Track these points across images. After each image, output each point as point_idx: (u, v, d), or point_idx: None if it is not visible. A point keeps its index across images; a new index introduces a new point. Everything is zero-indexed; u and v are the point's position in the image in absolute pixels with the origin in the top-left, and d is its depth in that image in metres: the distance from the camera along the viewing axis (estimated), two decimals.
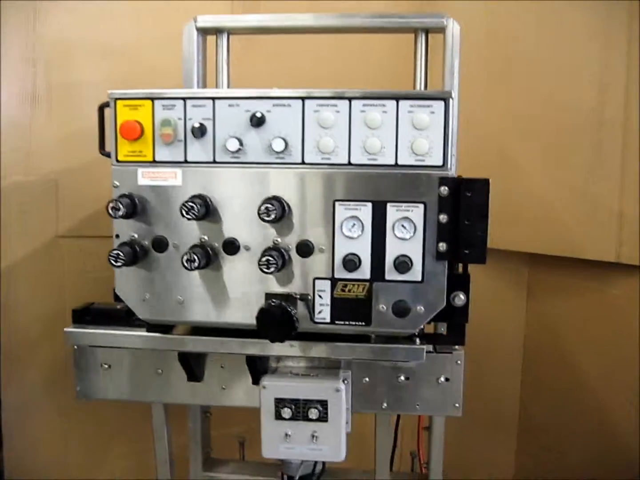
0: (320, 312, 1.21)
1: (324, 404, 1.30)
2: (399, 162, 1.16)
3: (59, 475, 1.97)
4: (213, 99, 1.18)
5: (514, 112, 1.87)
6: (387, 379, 1.39)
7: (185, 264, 1.15)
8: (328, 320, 1.21)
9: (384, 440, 1.49)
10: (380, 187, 1.17)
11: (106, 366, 1.42)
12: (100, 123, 1.25)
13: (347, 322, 1.21)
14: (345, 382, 1.38)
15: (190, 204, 1.13)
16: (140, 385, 1.42)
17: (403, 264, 1.15)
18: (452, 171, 1.16)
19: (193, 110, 1.19)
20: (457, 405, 1.38)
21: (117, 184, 1.22)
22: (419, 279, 1.18)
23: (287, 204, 1.17)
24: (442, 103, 1.14)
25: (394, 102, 1.15)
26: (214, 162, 1.19)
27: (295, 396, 1.31)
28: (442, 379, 1.38)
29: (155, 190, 1.21)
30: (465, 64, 1.28)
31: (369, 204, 1.17)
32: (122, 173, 1.21)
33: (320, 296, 1.20)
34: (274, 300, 1.12)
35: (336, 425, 1.31)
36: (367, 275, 1.19)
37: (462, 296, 1.24)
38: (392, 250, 1.18)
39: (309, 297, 1.19)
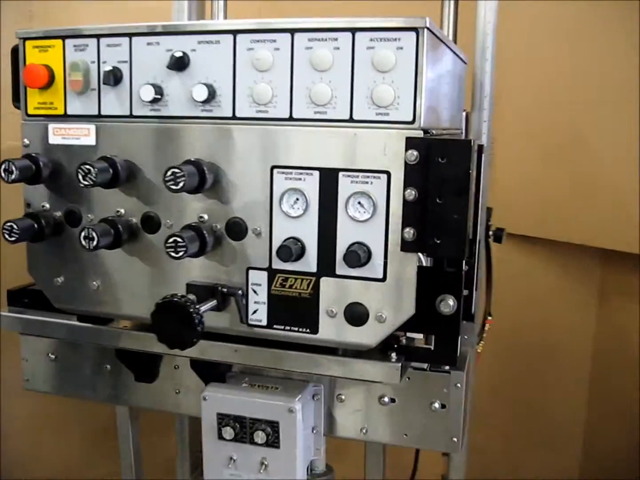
0: (255, 312, 0.91)
1: (274, 426, 1.00)
2: (355, 117, 0.84)
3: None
4: (129, 35, 0.91)
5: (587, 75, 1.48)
6: (368, 399, 1.07)
7: (83, 241, 0.88)
8: (264, 323, 0.91)
9: (373, 474, 1.17)
10: (330, 151, 0.85)
11: (52, 357, 1.19)
12: (13, 69, 1.00)
13: (287, 328, 0.90)
14: (316, 398, 1.07)
15: (87, 167, 0.87)
16: (87, 382, 1.18)
17: (353, 254, 0.83)
18: (435, 132, 0.82)
19: (107, 51, 0.92)
20: (455, 439, 1.04)
21: (27, 142, 0.98)
22: (380, 275, 0.85)
23: (210, 170, 0.87)
24: (412, 35, 0.80)
25: (349, 34, 0.82)
26: (131, 116, 0.92)
27: (240, 413, 1.02)
28: (437, 404, 1.04)
29: (67, 151, 0.96)
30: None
31: (316, 173, 0.86)
32: (32, 129, 0.97)
33: (255, 291, 0.90)
34: (177, 295, 0.83)
35: (289, 454, 1.01)
36: (313, 268, 0.87)
37: (450, 301, 0.90)
38: (345, 235, 0.86)
39: (240, 292, 0.89)
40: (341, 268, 0.86)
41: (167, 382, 1.14)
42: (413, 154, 0.80)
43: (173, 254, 0.85)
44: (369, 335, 0.87)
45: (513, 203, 1.79)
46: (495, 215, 1.84)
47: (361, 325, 0.87)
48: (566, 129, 1.68)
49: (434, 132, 0.85)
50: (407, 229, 0.82)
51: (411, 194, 0.81)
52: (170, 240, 0.85)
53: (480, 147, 1.12)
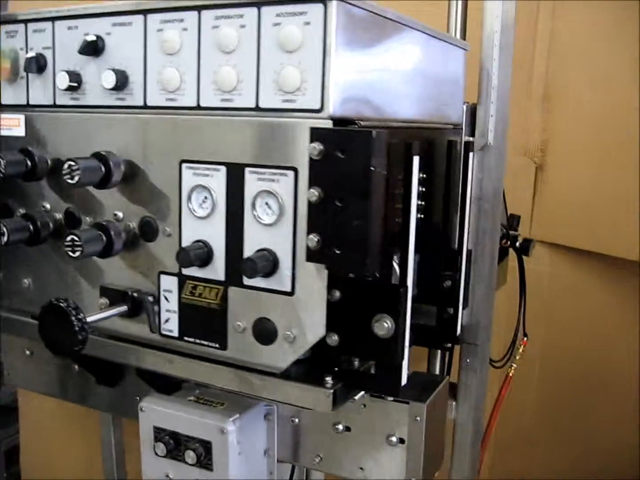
0: (167, 321, 0.80)
1: (207, 446, 0.90)
2: (261, 104, 0.71)
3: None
4: (52, 19, 0.83)
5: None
6: (322, 425, 0.94)
7: None
8: (176, 333, 0.80)
9: None
10: (236, 143, 0.73)
11: (28, 353, 1.15)
12: None
13: (197, 341, 0.79)
14: (269, 418, 0.95)
15: None
16: (57, 381, 1.13)
17: (249, 263, 0.70)
18: (364, 124, 0.68)
19: (34, 37, 0.86)
20: None
21: None
22: (288, 288, 0.72)
23: (116, 165, 0.78)
24: (320, 8, 0.67)
25: (255, 10, 0.70)
26: (54, 105, 0.85)
27: (175, 429, 0.92)
28: (394, 439, 0.89)
29: (6, 142, 0.90)
30: None
31: (223, 169, 0.74)
32: None
33: (166, 298, 0.80)
34: (62, 300, 0.74)
35: (222, 477, 0.89)
36: (221, 276, 0.76)
37: (386, 322, 0.75)
38: (253, 240, 0.74)
39: (149, 299, 0.80)
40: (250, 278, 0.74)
41: (129, 388, 1.06)
42: (316, 147, 0.66)
43: (70, 254, 0.76)
44: (278, 356, 0.74)
45: (567, 211, 1.57)
46: (545, 224, 1.63)
47: (270, 344, 0.74)
48: (625, 131, 1.45)
49: (361, 123, 0.71)
50: (311, 236, 0.68)
51: (314, 194, 0.67)
52: (68, 239, 0.76)
53: (468, 143, 0.96)
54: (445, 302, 0.99)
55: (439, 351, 1.18)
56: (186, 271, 0.78)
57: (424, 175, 0.91)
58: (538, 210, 1.61)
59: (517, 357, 1.44)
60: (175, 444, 0.92)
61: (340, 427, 0.93)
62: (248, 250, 0.74)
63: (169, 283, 0.79)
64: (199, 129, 0.75)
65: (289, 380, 0.81)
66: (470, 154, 0.96)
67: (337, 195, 0.65)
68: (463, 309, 1.01)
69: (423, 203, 0.91)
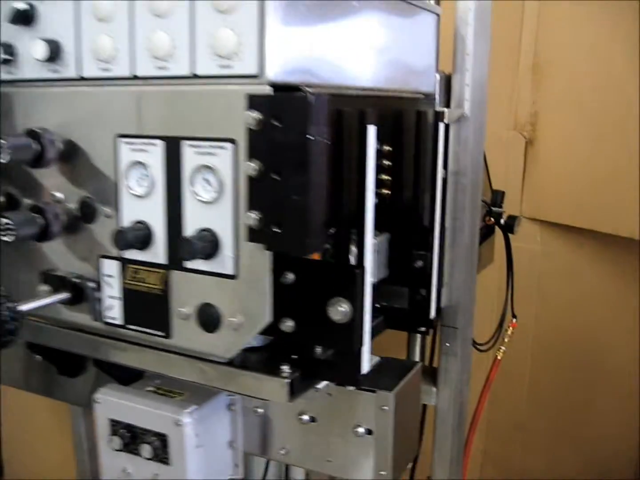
0: (110, 308, 0.75)
1: (163, 439, 0.84)
2: (198, 71, 0.65)
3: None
4: None
5: None
6: (288, 415, 0.88)
7: None
8: (120, 321, 0.75)
9: None
10: (173, 115, 0.67)
11: None
12: None
13: (142, 329, 0.73)
14: (232, 408, 0.90)
15: None
16: (21, 372, 1.08)
17: (186, 244, 0.64)
18: (312, 91, 0.62)
19: None
20: (383, 473, 0.83)
21: None
22: (231, 271, 0.67)
23: (51, 142, 0.72)
24: None
25: None
26: None
27: (131, 421, 0.87)
28: (362, 430, 0.83)
29: None
30: None
31: (160, 143, 0.68)
32: None
33: (108, 284, 0.74)
34: None
35: (180, 472, 0.84)
36: (162, 259, 0.70)
37: (342, 306, 0.69)
38: (193, 219, 0.68)
39: (91, 285, 0.74)
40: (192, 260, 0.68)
41: (92, 378, 1.01)
42: (253, 116, 0.60)
43: (4, 238, 0.71)
44: (224, 344, 0.69)
45: (559, 187, 1.50)
46: (536, 200, 1.56)
47: (214, 331, 0.69)
48: (622, 104, 1.37)
49: (307, 89, 0.64)
50: (250, 214, 0.62)
51: (253, 168, 0.61)
52: (2, 222, 0.71)
53: (437, 113, 0.89)
54: (417, 283, 0.93)
55: (418, 335, 1.13)
56: (127, 254, 0.72)
57: (390, 148, 0.84)
58: (528, 187, 1.54)
59: (506, 340, 1.38)
60: (131, 437, 0.87)
61: (306, 417, 0.87)
62: (188, 231, 0.68)
63: (111, 267, 0.74)
64: (135, 101, 0.69)
65: (244, 369, 0.76)
66: (441, 125, 0.89)
67: (274, 168, 0.59)
68: (438, 290, 0.95)
69: (389, 178, 0.85)
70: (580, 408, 1.55)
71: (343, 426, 0.85)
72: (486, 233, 1.27)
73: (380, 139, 0.83)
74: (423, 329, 0.96)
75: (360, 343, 0.71)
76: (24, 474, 1.77)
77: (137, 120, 0.69)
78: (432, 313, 0.94)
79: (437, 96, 0.99)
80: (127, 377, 0.93)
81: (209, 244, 0.65)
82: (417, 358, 1.16)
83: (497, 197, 1.22)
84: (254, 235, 0.62)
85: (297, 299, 0.72)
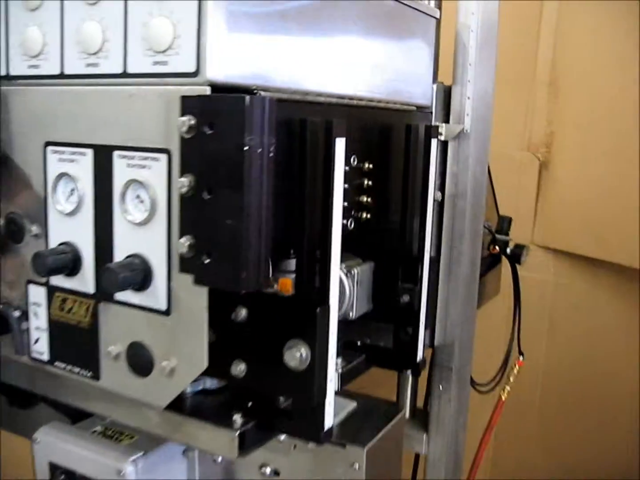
0: (37, 342, 0.64)
1: None
2: (130, 69, 0.55)
3: None
4: None
5: None
6: (249, 467, 0.77)
7: None
8: (46, 357, 0.64)
9: None
10: (103, 120, 0.56)
11: None
12: None
13: (69, 367, 0.62)
14: (188, 455, 0.79)
15: None
16: None
17: (107, 274, 0.53)
18: (265, 94, 0.51)
19: None
20: None
21: None
22: (163, 306, 0.55)
23: None
24: None
25: None
26: None
27: (72, 466, 0.76)
28: None
29: None
30: None
31: (89, 152, 0.57)
32: None
33: (35, 314, 0.64)
34: None
35: None
36: (91, 288, 0.59)
37: (300, 351, 0.58)
38: (124, 243, 0.57)
39: (16, 314, 0.64)
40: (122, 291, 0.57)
41: (44, 411, 0.91)
42: (186, 122, 0.49)
43: None
44: (156, 391, 0.58)
45: (575, 214, 1.37)
46: (550, 228, 1.43)
47: (146, 375, 0.58)
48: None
49: (261, 93, 0.54)
50: (182, 239, 0.51)
51: (184, 184, 0.50)
52: None
53: (429, 128, 0.78)
54: (402, 321, 0.81)
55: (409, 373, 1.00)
56: (54, 281, 0.62)
57: (371, 166, 0.73)
58: (542, 213, 1.41)
59: (511, 379, 1.25)
60: None
61: (268, 470, 0.76)
62: (118, 256, 0.57)
63: (38, 295, 0.63)
64: (63, 103, 0.59)
65: (191, 417, 0.65)
66: (434, 141, 0.78)
67: (206, 185, 0.48)
68: (430, 328, 0.83)
69: (370, 200, 0.74)
70: (594, 450, 1.40)
71: None
72: (491, 262, 1.15)
73: (361, 155, 0.72)
74: (408, 372, 0.84)
75: (321, 395, 0.60)
76: (24, 474, 1.67)
77: (66, 125, 0.59)
78: (420, 355, 0.82)
79: (433, 109, 0.88)
80: (76, 413, 0.83)
81: (136, 274, 0.54)
82: (407, 399, 1.04)
83: (504, 224, 1.10)
84: (185, 264, 0.51)
85: (250, 339, 0.61)
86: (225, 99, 0.47)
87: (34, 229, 0.62)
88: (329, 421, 0.62)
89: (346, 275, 0.81)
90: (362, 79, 0.71)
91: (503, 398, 1.24)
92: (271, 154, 0.48)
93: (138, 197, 0.55)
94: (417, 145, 0.78)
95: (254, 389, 0.65)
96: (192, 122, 0.49)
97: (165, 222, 0.54)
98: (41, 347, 0.64)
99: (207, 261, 0.48)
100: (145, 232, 0.55)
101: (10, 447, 1.57)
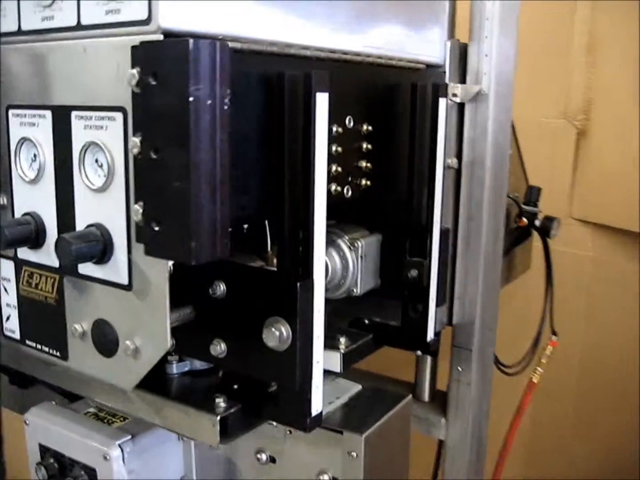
0: (8, 319, 0.60)
1: (92, 473, 0.70)
2: (83, 20, 0.49)
3: None
4: None
5: None
6: (245, 452, 0.72)
7: None
8: (17, 335, 0.60)
9: None
10: (60, 78, 0.51)
11: None
12: None
13: (39, 346, 0.58)
14: (183, 439, 0.74)
15: None
16: None
17: (62, 244, 0.49)
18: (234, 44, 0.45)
19: None
20: None
21: None
22: (124, 280, 0.50)
23: None
24: None
25: None
26: None
27: (61, 449, 0.72)
28: (326, 477, 0.66)
29: None
30: None
31: (48, 114, 0.53)
32: None
33: (5, 289, 0.60)
34: None
35: None
36: (55, 261, 0.55)
37: (279, 329, 0.53)
38: (84, 211, 0.52)
39: None
40: (84, 264, 0.52)
41: (43, 391, 0.88)
42: (135, 75, 0.44)
43: None
44: (122, 373, 0.53)
45: (615, 186, 1.27)
46: (588, 200, 1.33)
47: (112, 355, 0.53)
48: None
49: (227, 44, 0.47)
50: (136, 206, 0.46)
51: (136, 144, 0.45)
52: None
53: (437, 86, 0.71)
54: (411, 297, 0.75)
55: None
56: (22, 254, 0.57)
57: (369, 128, 0.66)
58: (579, 184, 1.31)
59: (544, 361, 1.17)
60: (60, 469, 0.72)
61: (264, 457, 0.71)
62: (80, 226, 0.52)
63: (7, 269, 0.59)
64: (22, 63, 0.54)
65: (172, 400, 0.60)
66: (442, 102, 0.70)
67: (152, 143, 0.42)
68: (438, 305, 0.76)
69: (369, 165, 0.67)
70: (634, 436, 1.31)
71: (306, 472, 0.68)
72: (519, 236, 1.06)
73: (359, 116, 0.65)
74: (419, 352, 0.77)
75: (305, 378, 0.54)
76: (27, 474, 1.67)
77: (25, 87, 0.54)
78: (430, 333, 0.75)
79: (447, 69, 0.80)
80: (72, 393, 0.79)
81: (94, 245, 0.49)
82: (426, 381, 0.97)
83: (532, 194, 1.02)
84: (139, 234, 0.46)
85: (230, 316, 0.56)
86: (167, 45, 0.41)
87: (2, 199, 0.57)
88: (316, 407, 0.56)
89: (349, 248, 0.75)
90: (360, 31, 0.64)
91: (535, 380, 1.17)
92: (226, 107, 0.42)
93: (97, 161, 0.50)
94: (424, 105, 0.71)
95: (235, 371, 0.60)
96: (139, 74, 0.44)
97: (123, 188, 0.48)
98: (13, 325, 0.60)
99: (156, 229, 0.43)
100: (104, 199, 0.50)
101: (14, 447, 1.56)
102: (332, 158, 0.62)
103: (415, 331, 0.75)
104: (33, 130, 0.54)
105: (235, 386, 0.62)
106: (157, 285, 0.48)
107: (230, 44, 0.45)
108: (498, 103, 0.83)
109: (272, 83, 0.52)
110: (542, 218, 1.01)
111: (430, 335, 0.75)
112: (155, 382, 0.64)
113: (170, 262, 0.47)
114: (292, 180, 0.53)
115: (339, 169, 0.62)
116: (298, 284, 0.52)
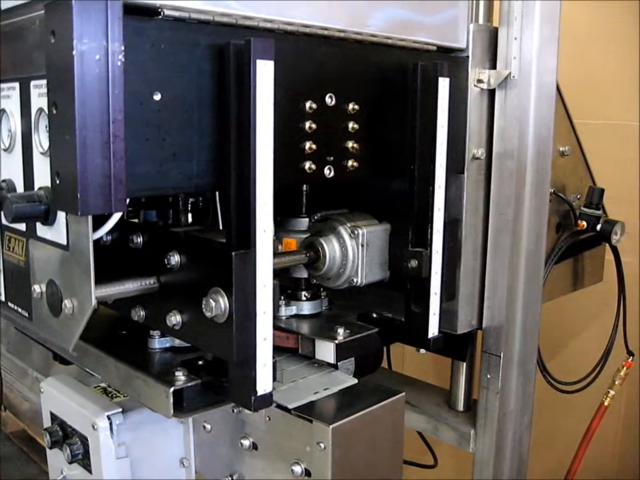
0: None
1: (85, 442, 0.72)
2: None
3: None
4: None
5: None
6: (232, 437, 0.71)
7: None
8: (3, 297, 0.64)
9: None
10: (24, 49, 0.55)
11: None
12: None
13: (15, 307, 0.62)
14: (182, 421, 0.75)
15: None
16: (23, 350, 1.05)
17: (6, 203, 0.51)
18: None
19: None
20: None
21: None
22: (64, 240, 0.52)
23: None
24: None
25: None
26: None
27: (64, 417, 0.76)
28: (298, 469, 0.63)
29: None
30: None
31: (17, 86, 0.56)
32: None
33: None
34: None
35: None
36: (22, 224, 0.58)
37: (217, 300, 0.52)
38: (40, 175, 0.55)
39: None
40: (41, 227, 0.55)
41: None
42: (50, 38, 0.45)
43: None
44: (64, 332, 0.54)
45: None
46: None
47: (58, 315, 0.55)
48: None
49: (165, 12, 0.48)
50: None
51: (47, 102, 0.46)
52: None
53: (436, 65, 0.67)
54: (411, 289, 0.70)
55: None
56: (4, 220, 0.61)
57: (356, 107, 0.64)
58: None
59: (617, 383, 1.07)
60: (63, 436, 0.75)
61: (247, 442, 0.69)
62: (36, 188, 0.55)
63: None
64: (3, 37, 0.58)
65: (139, 371, 0.61)
66: (443, 82, 0.66)
67: (52, 99, 0.43)
68: (445, 300, 0.71)
69: (356, 145, 0.64)
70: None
71: (283, 459, 0.66)
72: (584, 241, 0.97)
73: (342, 94, 0.63)
74: (423, 350, 0.72)
75: (242, 351, 0.52)
76: None
77: (6, 60, 0.58)
78: (433, 329, 0.70)
79: (470, 52, 0.75)
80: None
81: (37, 205, 0.51)
82: (461, 389, 0.91)
83: (593, 196, 0.92)
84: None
85: (183, 287, 0.56)
86: (59, 5, 0.42)
87: None
88: (264, 386, 0.54)
89: (350, 235, 0.73)
90: (359, 11, 0.62)
91: (606, 403, 1.06)
92: (119, 63, 0.42)
93: (46, 126, 0.52)
94: (427, 86, 0.67)
95: (190, 343, 0.59)
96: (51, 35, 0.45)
97: None
98: (1, 289, 0.64)
99: (57, 182, 0.44)
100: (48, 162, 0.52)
101: None
102: (304, 135, 0.60)
103: (416, 326, 0.70)
104: (7, 103, 0.57)
105: (200, 362, 0.61)
106: (81, 244, 0.49)
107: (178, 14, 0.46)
108: (536, 90, 0.77)
109: (219, 54, 0.52)
110: (603, 221, 0.91)
111: (432, 331, 0.70)
112: (136, 355, 0.66)
113: (91, 221, 0.48)
114: (236, 150, 0.52)
115: (314, 146, 0.60)
116: (233, 254, 0.51)
